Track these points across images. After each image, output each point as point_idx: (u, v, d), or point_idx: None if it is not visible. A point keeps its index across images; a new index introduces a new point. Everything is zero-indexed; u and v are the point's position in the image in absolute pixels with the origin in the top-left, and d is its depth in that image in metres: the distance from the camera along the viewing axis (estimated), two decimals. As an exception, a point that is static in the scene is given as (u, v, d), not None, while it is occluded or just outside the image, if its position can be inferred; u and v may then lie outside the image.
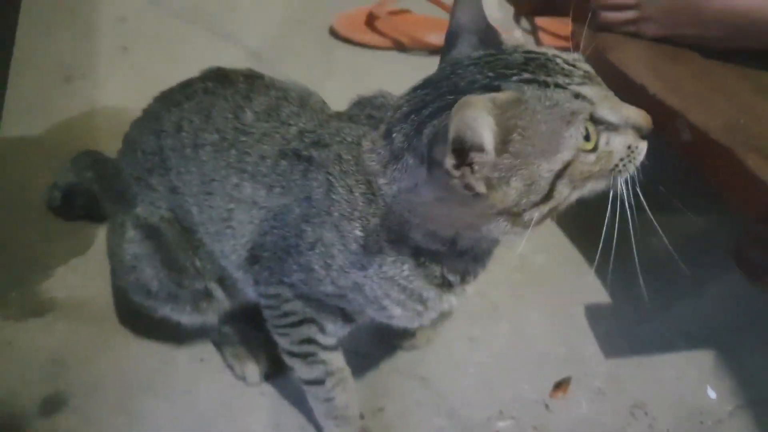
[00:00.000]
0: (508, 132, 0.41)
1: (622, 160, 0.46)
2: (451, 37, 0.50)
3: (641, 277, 0.90)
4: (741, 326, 0.86)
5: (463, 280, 0.56)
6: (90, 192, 0.91)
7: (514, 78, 0.43)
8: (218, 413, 0.74)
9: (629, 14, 0.83)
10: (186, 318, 0.70)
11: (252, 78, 0.65)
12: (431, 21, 1.34)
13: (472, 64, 0.46)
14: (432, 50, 1.30)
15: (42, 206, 0.93)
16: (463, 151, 0.40)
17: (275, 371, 0.77)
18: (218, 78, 0.65)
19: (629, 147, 0.46)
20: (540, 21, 1.31)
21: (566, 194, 0.45)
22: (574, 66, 0.46)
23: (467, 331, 0.84)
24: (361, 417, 0.73)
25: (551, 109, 0.43)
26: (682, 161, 0.77)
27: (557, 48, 0.91)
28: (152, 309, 0.70)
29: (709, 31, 0.81)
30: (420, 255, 0.53)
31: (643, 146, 0.47)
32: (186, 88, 0.66)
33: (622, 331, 0.86)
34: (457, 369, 0.80)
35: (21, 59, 1.22)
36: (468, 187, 0.42)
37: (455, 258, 0.53)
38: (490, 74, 0.44)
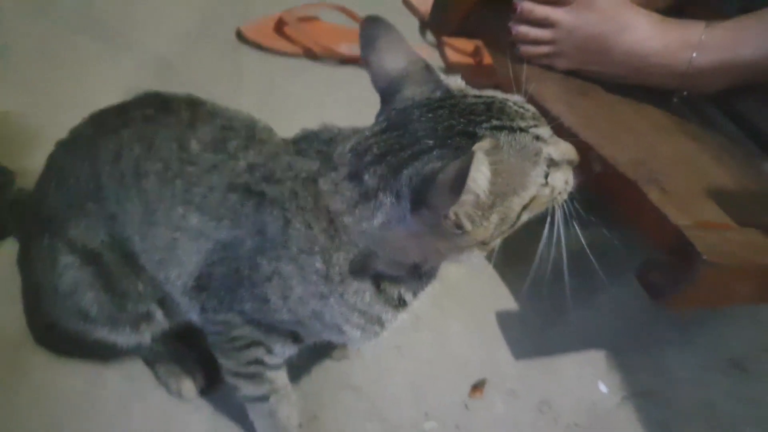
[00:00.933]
0: (494, 176, 0.48)
1: (560, 193, 0.56)
2: (390, 83, 0.56)
3: (544, 286, 1.04)
4: (628, 330, 1.01)
5: (415, 296, 0.63)
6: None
7: (485, 125, 0.51)
8: (155, 431, 0.76)
9: (545, 48, 0.93)
10: (123, 339, 0.71)
11: (194, 105, 0.67)
12: (340, 30, 1.40)
13: (439, 108, 0.52)
14: (342, 60, 1.35)
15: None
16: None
17: (211, 385, 0.81)
18: (158, 105, 0.66)
19: (566, 181, 0.56)
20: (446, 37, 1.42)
21: (524, 220, 0.54)
22: (524, 108, 0.54)
23: (394, 340, 0.92)
24: (299, 426, 0.78)
25: (520, 152, 0.51)
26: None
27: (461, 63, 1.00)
28: (86, 333, 0.71)
29: (614, 69, 0.93)
30: (380, 282, 0.58)
31: (572, 177, 0.57)
32: (122, 114, 0.67)
33: (528, 335, 0.97)
34: (386, 377, 0.88)
35: None
36: (458, 225, 0.49)
37: (414, 280, 0.60)
38: (463, 120, 0.51)
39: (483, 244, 0.53)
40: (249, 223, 0.60)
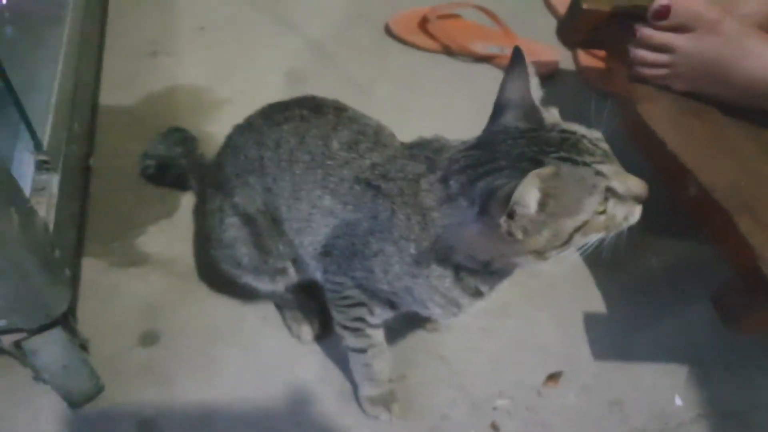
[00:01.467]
0: (546, 197, 0.59)
1: (617, 224, 0.64)
2: (500, 107, 0.67)
3: (635, 293, 1.10)
4: (715, 348, 1.04)
5: (491, 289, 0.75)
6: (179, 165, 1.12)
7: (553, 155, 0.60)
8: (277, 364, 0.96)
9: (662, 71, 0.97)
10: (263, 286, 0.91)
11: (340, 110, 0.83)
12: (477, 29, 1.50)
13: (520, 137, 0.63)
14: (476, 58, 1.46)
15: (133, 171, 1.14)
16: (511, 207, 0.58)
17: (324, 334, 0.99)
18: (312, 107, 0.84)
19: (626, 216, 0.64)
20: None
21: (578, 241, 0.63)
22: (596, 146, 0.63)
23: (481, 322, 1.04)
24: (390, 380, 0.94)
25: (578, 182, 0.60)
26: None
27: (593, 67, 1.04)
28: (237, 276, 0.91)
29: (731, 94, 0.96)
30: (460, 271, 0.71)
31: (638, 210, 0.65)
32: (285, 110, 0.85)
33: (611, 338, 1.05)
34: (470, 352, 1.01)
35: (112, 34, 1.42)
36: (510, 233, 0.60)
37: (488, 275, 0.72)
38: (535, 149, 0.61)
39: (537, 253, 0.63)
40: (366, 210, 0.75)
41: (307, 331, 0.98)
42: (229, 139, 0.91)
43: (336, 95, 0.89)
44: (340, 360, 0.96)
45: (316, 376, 0.96)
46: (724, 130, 0.98)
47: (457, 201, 0.65)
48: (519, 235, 0.60)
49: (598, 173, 0.60)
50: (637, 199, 0.64)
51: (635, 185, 0.63)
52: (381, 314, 0.83)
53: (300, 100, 0.87)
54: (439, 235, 0.68)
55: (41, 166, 0.75)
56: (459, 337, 1.03)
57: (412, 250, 0.71)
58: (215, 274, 0.96)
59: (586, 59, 1.47)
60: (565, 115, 1.34)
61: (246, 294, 0.99)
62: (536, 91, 0.67)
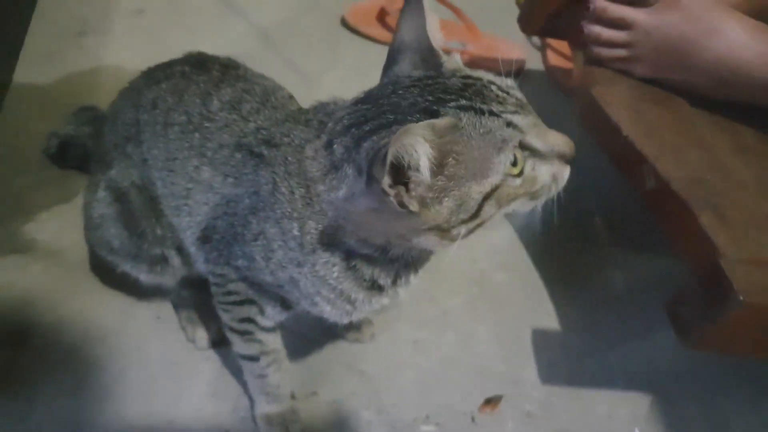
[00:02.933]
0: (444, 156, 0.47)
1: (543, 187, 0.52)
2: (394, 53, 0.56)
3: (594, 311, 0.97)
4: (681, 374, 0.91)
5: (395, 283, 0.62)
6: (85, 145, 1.00)
7: (452, 104, 0.49)
8: (164, 371, 0.83)
9: (620, 52, 0.87)
10: (143, 277, 0.79)
11: (227, 68, 0.72)
12: (440, 24, 1.40)
13: (413, 86, 0.52)
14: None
15: (37, 152, 1.02)
16: (401, 171, 0.46)
17: (222, 340, 0.84)
18: (196, 63, 0.72)
19: (554, 176, 0.52)
20: (550, 40, 1.36)
21: (492, 213, 0.51)
22: (507, 93, 0.52)
23: (413, 334, 0.91)
24: (293, 396, 0.80)
25: (484, 136, 0.48)
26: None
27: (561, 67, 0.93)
28: (113, 263, 0.79)
29: (697, 79, 0.84)
30: (351, 259, 0.59)
31: (566, 171, 0.53)
32: (167, 68, 0.73)
33: (564, 360, 0.91)
34: (396, 369, 0.88)
35: (40, 8, 1.31)
36: (402, 204, 0.48)
37: (387, 263, 0.60)
38: (430, 98, 0.50)
39: (442, 231, 0.51)
40: (248, 183, 0.63)
41: (202, 335, 0.85)
42: (111, 105, 0.80)
43: (280, 84, 0.77)
44: (237, 371, 0.82)
45: (208, 389, 0.82)
46: (692, 120, 0.87)
47: (342, 169, 0.53)
48: (413, 206, 0.48)
49: (510, 124, 0.49)
50: (562, 158, 0.52)
51: (558, 141, 0.52)
52: (272, 315, 0.70)
53: (186, 56, 0.75)
54: (326, 213, 0.56)
55: None
56: (386, 350, 0.89)
57: (296, 232, 0.59)
58: (106, 268, 0.84)
59: (555, 59, 1.37)
60: (540, 114, 1.23)
61: (141, 291, 0.87)
62: (436, 33, 0.56)
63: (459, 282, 0.98)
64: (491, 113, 0.49)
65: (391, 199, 0.47)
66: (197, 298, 0.86)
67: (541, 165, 0.51)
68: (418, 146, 0.45)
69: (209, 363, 0.85)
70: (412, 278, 0.64)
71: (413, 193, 0.48)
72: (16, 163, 1.03)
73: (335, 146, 0.54)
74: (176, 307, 0.88)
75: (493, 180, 0.49)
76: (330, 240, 0.58)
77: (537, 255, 1.03)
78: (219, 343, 0.85)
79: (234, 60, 0.75)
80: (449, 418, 0.84)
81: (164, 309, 0.89)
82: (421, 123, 0.45)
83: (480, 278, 0.99)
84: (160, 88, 0.71)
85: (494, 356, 0.91)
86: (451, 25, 1.41)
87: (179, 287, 0.84)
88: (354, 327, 0.87)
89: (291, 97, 0.71)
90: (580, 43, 0.95)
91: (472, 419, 0.84)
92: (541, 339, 0.93)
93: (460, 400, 0.85)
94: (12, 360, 0.81)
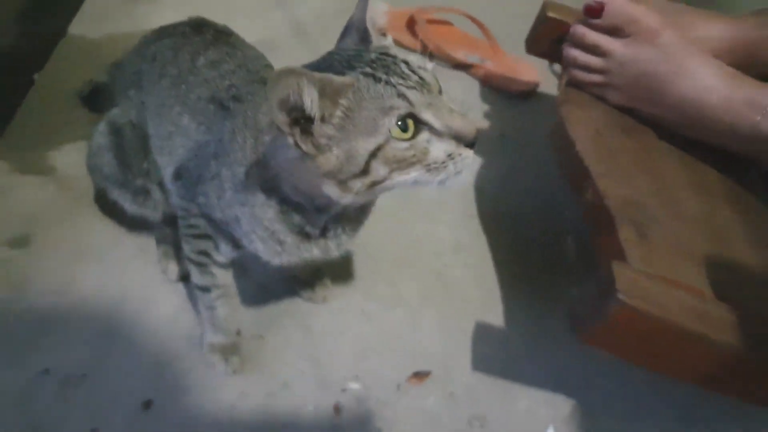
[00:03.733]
0: (335, 108, 0.56)
1: (437, 163, 0.58)
2: (345, 30, 0.65)
3: (541, 319, 1.02)
4: (610, 390, 0.95)
5: (324, 235, 0.71)
6: (111, 92, 1.14)
7: (358, 69, 0.57)
8: (135, 294, 0.94)
9: (595, 77, 0.93)
10: (128, 206, 0.90)
11: (220, 33, 0.83)
12: (465, 38, 1.49)
13: (339, 54, 0.61)
14: (454, 64, 1.44)
15: (75, 95, 1.17)
16: (295, 115, 0.55)
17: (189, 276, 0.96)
18: (195, 26, 0.84)
19: (450, 155, 0.58)
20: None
21: (383, 173, 0.57)
22: (414, 72, 0.58)
23: (364, 304, 0.99)
24: (238, 333, 0.90)
25: (375, 100, 0.56)
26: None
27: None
28: (106, 190, 0.91)
29: (665, 114, 0.90)
30: (285, 204, 0.67)
31: (466, 153, 0.58)
32: (173, 28, 0.86)
33: (499, 355, 0.97)
34: (339, 331, 0.96)
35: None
36: (297, 144, 0.56)
37: (314, 214, 0.68)
38: (344, 64, 0.59)
39: (338, 181, 0.58)
40: (216, 131, 0.74)
41: (173, 269, 0.96)
42: (125, 54, 0.92)
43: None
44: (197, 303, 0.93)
45: (169, 316, 0.93)
46: (653, 151, 0.92)
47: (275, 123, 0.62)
48: (307, 148, 0.57)
49: (401, 95, 0.56)
50: (461, 140, 0.58)
51: (456, 122, 0.58)
52: (225, 251, 0.80)
53: (189, 19, 0.87)
54: (267, 159, 0.66)
55: None
56: (334, 313, 0.98)
57: (242, 176, 0.68)
58: (109, 201, 0.96)
59: (568, 85, 1.43)
60: (538, 136, 1.30)
61: (131, 225, 1.00)
62: (380, 19, 0.65)
63: (419, 270, 1.06)
64: (387, 83, 0.56)
65: (290, 138, 0.56)
66: (176, 237, 0.97)
67: (437, 141, 0.58)
68: (300, 85, 0.53)
69: (175, 295, 0.96)
70: (343, 236, 0.72)
71: (308, 139, 0.56)
72: (55, 100, 1.18)
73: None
74: (158, 242, 0.99)
75: (377, 140, 0.56)
76: (268, 186, 0.67)
77: (501, 260, 1.09)
78: (186, 278, 0.96)
79: (229, 28, 0.86)
80: (376, 382, 0.91)
81: (147, 244, 1.01)
82: (314, 72, 0.53)
83: (440, 270, 1.07)
84: (163, 43, 0.83)
85: (434, 339, 0.98)
86: (477, 42, 1.49)
87: (162, 224, 0.95)
88: (309, 285, 0.96)
89: (269, 65, 0.81)
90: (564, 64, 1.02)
91: (398, 387, 0.91)
92: (482, 332, 0.99)
93: (391, 370, 0.93)
94: (12, 259, 0.94)
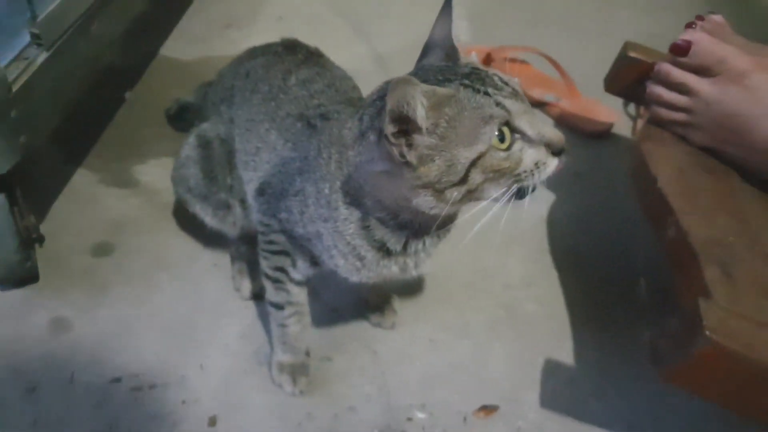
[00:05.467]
0: (439, 118, 0.57)
1: (526, 171, 0.60)
2: (426, 49, 0.67)
3: (611, 357, 1.00)
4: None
5: (405, 251, 0.72)
6: (196, 111, 1.20)
7: (455, 81, 0.59)
8: (208, 309, 0.98)
9: (680, 116, 0.91)
10: (209, 219, 0.94)
11: (311, 54, 0.87)
12: (542, 78, 1.50)
13: (431, 69, 0.63)
14: (531, 103, 1.44)
15: (162, 112, 1.23)
16: (402, 126, 0.57)
17: (262, 295, 0.97)
18: (288, 46, 0.89)
19: (537, 163, 0.60)
20: (643, 111, 1.41)
21: (478, 181, 0.59)
22: (506, 84, 0.61)
23: (432, 333, 0.99)
24: (307, 353, 0.91)
25: (475, 109, 0.58)
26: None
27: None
28: (188, 203, 0.95)
29: (751, 156, 0.87)
30: (366, 219, 0.69)
31: (552, 161, 0.60)
32: (266, 47, 0.90)
33: (569, 393, 0.95)
34: (407, 358, 0.96)
35: (198, 3, 1.57)
36: (401, 155, 0.58)
37: (396, 229, 0.69)
38: (440, 77, 0.61)
39: (435, 190, 0.59)
40: (302, 148, 0.76)
41: (246, 286, 0.99)
42: (218, 72, 0.97)
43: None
44: (268, 325, 0.95)
45: (239, 332, 0.95)
46: (737, 193, 0.89)
47: (366, 136, 0.64)
48: (411, 158, 0.58)
49: (499, 104, 0.58)
50: (551, 147, 0.60)
51: (547, 130, 0.60)
52: (303, 268, 0.82)
53: (283, 40, 0.91)
54: (351, 174, 0.68)
55: (34, 40, 0.84)
56: (402, 340, 0.98)
57: (327, 191, 0.70)
58: (188, 215, 1.00)
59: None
60: (612, 176, 1.28)
61: (208, 240, 1.04)
62: (462, 35, 0.66)
63: (488, 302, 1.05)
64: (485, 93, 0.58)
65: (394, 148, 0.57)
66: (251, 255, 1.00)
67: (529, 148, 0.59)
68: (415, 96, 0.55)
69: (247, 311, 0.98)
70: (422, 254, 0.73)
71: (411, 149, 0.58)
72: (145, 117, 1.25)
73: (364, 117, 0.65)
74: (232, 259, 1.03)
75: (479, 147, 0.57)
76: (351, 200, 0.69)
77: (572, 297, 1.08)
78: (259, 296, 0.99)
79: (319, 50, 0.90)
80: (443, 413, 0.90)
81: (222, 259, 1.04)
82: (422, 84, 0.55)
83: (509, 303, 1.06)
84: (256, 62, 0.87)
85: (502, 372, 0.96)
86: (553, 82, 1.50)
87: (238, 241, 0.99)
88: (378, 310, 0.97)
89: (355, 87, 0.84)
90: (646, 103, 1.01)
91: (464, 419, 0.90)
92: (552, 368, 0.98)
93: (458, 401, 0.92)
94: (95, 266, 0.99)
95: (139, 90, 1.31)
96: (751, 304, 0.71)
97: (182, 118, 1.20)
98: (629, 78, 1.05)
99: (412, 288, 1.05)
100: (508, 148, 0.58)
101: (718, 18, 0.94)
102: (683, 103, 0.90)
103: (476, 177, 0.59)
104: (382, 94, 0.64)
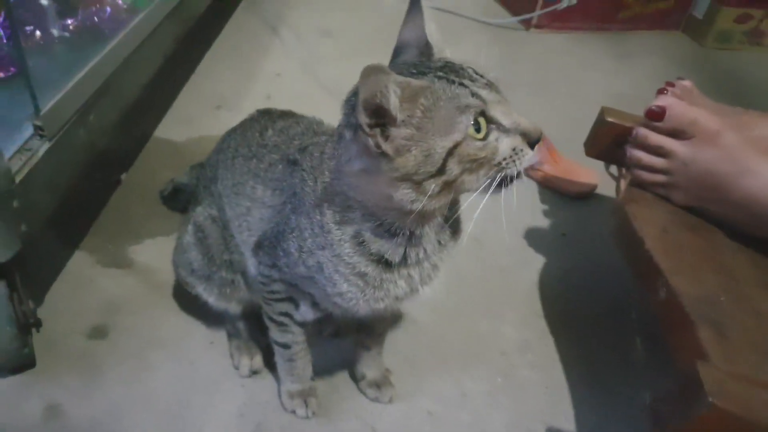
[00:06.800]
0: (414, 109, 0.57)
1: (506, 159, 0.60)
2: (399, 49, 0.68)
3: (614, 423, 0.99)
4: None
5: (405, 262, 0.71)
6: (192, 194, 1.22)
7: (430, 75, 0.60)
8: (204, 388, 0.95)
9: (659, 177, 0.95)
10: (213, 299, 0.94)
11: (285, 112, 0.90)
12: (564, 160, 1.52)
13: (406, 64, 0.64)
14: (540, 178, 1.48)
15: (156, 193, 1.25)
16: (378, 116, 0.56)
17: (263, 370, 0.99)
18: (263, 111, 0.93)
19: (514, 149, 0.60)
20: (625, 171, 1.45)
21: (456, 172, 0.59)
22: (481, 76, 0.62)
23: (430, 405, 0.98)
24: (312, 379, 0.93)
25: (451, 99, 0.58)
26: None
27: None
28: (191, 285, 0.95)
29: (731, 213, 0.90)
30: (360, 235, 0.69)
31: (528, 151, 0.60)
32: (244, 120, 0.93)
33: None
34: (405, 432, 0.94)
35: (192, 83, 1.62)
36: (377, 145, 0.57)
37: (389, 237, 0.68)
38: (414, 71, 0.61)
39: (415, 183, 0.59)
40: (288, 187, 0.77)
41: (245, 363, 0.98)
42: (207, 157, 1.00)
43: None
44: (269, 401, 0.94)
45: (236, 410, 0.93)
46: (721, 249, 0.91)
47: (343, 135, 0.64)
48: (387, 149, 0.57)
49: (474, 95, 0.59)
50: (526, 137, 0.60)
51: (523, 121, 0.60)
52: (306, 311, 0.82)
53: (257, 110, 0.94)
54: (335, 185, 0.68)
55: (37, 131, 0.86)
56: (401, 414, 0.96)
57: (318, 216, 0.71)
58: (183, 293, 1.01)
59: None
60: (599, 236, 1.30)
61: (205, 319, 1.03)
62: (434, 33, 0.67)
63: (485, 370, 1.04)
64: (461, 84, 0.59)
65: (370, 139, 0.57)
66: (248, 330, 1.00)
67: (505, 137, 0.60)
68: (388, 85, 0.55)
69: (244, 389, 0.96)
70: (426, 263, 0.72)
71: (388, 142, 0.57)
72: (140, 197, 1.26)
73: (341, 119, 0.64)
74: (229, 336, 1.02)
75: (455, 137, 0.58)
76: (341, 218, 0.68)
77: (569, 360, 1.07)
78: (257, 372, 0.98)
79: (293, 111, 0.92)
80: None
81: (218, 336, 1.03)
82: (391, 71, 0.55)
83: (506, 371, 1.05)
84: (235, 133, 0.91)
85: (504, 443, 0.95)
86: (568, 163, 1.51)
87: (238, 318, 0.98)
88: (375, 385, 0.96)
89: (332, 127, 0.85)
90: (626, 165, 1.04)
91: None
92: (551, 436, 0.96)
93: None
94: (91, 349, 0.98)
95: (133, 172, 1.33)
96: (746, 362, 0.72)
97: (176, 198, 1.22)
98: (607, 141, 1.08)
99: (409, 357, 1.04)
100: (484, 138, 0.59)
101: (686, 83, 0.99)
102: (662, 165, 0.94)
103: (453, 167, 0.59)
104: (355, 91, 0.61)
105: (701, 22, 2.31)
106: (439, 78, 0.60)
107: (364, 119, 0.56)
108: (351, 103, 0.62)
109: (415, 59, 0.66)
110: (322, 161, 0.72)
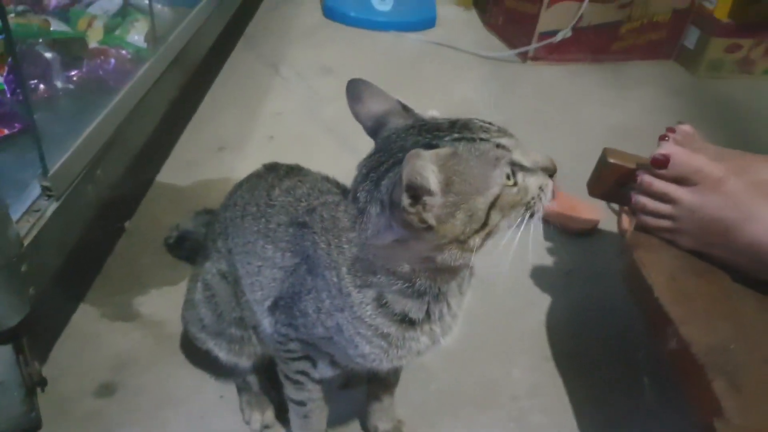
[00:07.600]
0: (449, 177, 0.57)
1: (534, 197, 0.61)
2: (376, 126, 0.67)
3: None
4: None
5: (429, 318, 0.70)
6: (197, 241, 1.21)
7: (447, 138, 0.60)
8: (217, 443, 0.95)
9: (665, 223, 0.95)
10: (223, 355, 0.92)
11: (292, 168, 0.89)
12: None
13: (410, 129, 0.64)
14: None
15: (161, 241, 1.24)
16: (416, 194, 0.57)
17: (275, 425, 0.97)
18: (269, 167, 0.91)
19: (540, 186, 0.62)
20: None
21: (497, 220, 0.60)
22: (490, 124, 0.63)
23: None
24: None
25: (479, 157, 0.59)
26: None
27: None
28: (201, 341, 0.94)
29: (738, 258, 0.90)
30: (382, 297, 0.68)
31: (550, 183, 0.62)
32: (250, 175, 0.93)
33: None
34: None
35: (193, 126, 1.62)
36: (422, 221, 0.58)
37: (415, 297, 0.68)
38: (428, 136, 0.61)
39: (460, 242, 0.60)
40: (301, 250, 0.76)
41: (257, 418, 0.96)
42: (214, 213, 0.99)
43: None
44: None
45: (249, 467, 0.92)
46: (730, 294, 0.91)
47: (367, 211, 0.63)
48: (432, 221, 0.58)
49: (499, 146, 0.60)
50: (546, 171, 0.62)
51: (539, 157, 0.62)
52: (323, 369, 0.81)
53: (263, 165, 0.94)
54: (357, 255, 0.68)
55: (44, 192, 0.86)
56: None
57: (335, 279, 0.70)
58: (191, 345, 0.99)
59: (629, 224, 1.45)
60: (603, 272, 1.30)
61: (214, 371, 1.02)
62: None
63: (497, 416, 1.04)
64: (481, 139, 0.60)
65: (413, 217, 0.57)
66: (259, 384, 0.99)
67: (530, 177, 0.61)
68: (427, 167, 0.55)
69: (255, 444, 0.96)
70: (447, 317, 0.72)
71: (430, 212, 0.57)
72: (144, 246, 1.26)
73: (359, 194, 0.64)
74: (239, 390, 1.00)
75: (494, 191, 0.59)
76: (362, 282, 0.68)
77: (579, 404, 1.06)
78: (269, 427, 0.97)
79: (300, 165, 0.92)
80: None
81: (228, 390, 1.02)
82: (425, 151, 0.56)
83: (518, 416, 1.04)
84: (242, 189, 0.90)
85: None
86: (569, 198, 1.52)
87: (249, 372, 0.97)
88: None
89: (339, 183, 0.85)
90: (631, 207, 1.04)
91: None
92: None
93: None
94: (99, 409, 0.97)
95: (137, 219, 1.32)
96: (760, 414, 0.71)
97: (181, 246, 1.21)
98: (610, 182, 1.09)
99: (420, 406, 1.03)
100: (515, 183, 0.60)
101: (687, 128, 1.00)
102: (667, 212, 0.94)
103: (495, 217, 0.60)
104: (371, 166, 0.64)
105: (693, 52, 2.34)
106: (458, 140, 0.60)
107: (406, 200, 0.57)
108: (372, 181, 0.63)
109: (411, 121, 0.65)
110: (335, 224, 0.71)
